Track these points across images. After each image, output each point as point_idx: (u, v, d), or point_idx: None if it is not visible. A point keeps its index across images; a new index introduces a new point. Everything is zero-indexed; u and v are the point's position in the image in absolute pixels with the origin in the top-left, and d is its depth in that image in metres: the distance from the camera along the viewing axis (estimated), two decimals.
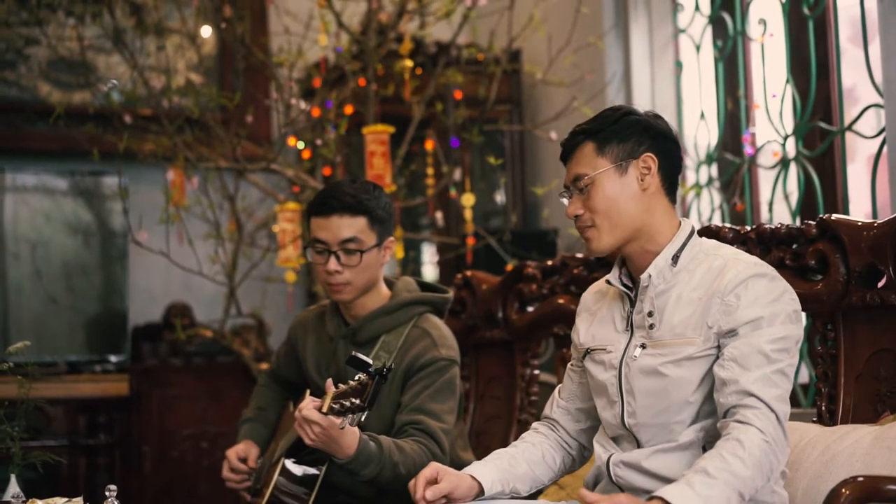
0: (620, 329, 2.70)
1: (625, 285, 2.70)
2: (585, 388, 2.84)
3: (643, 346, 2.62)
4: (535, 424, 2.96)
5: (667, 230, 2.65)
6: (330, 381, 2.95)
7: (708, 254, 2.64)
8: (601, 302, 2.81)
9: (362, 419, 2.84)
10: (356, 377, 2.84)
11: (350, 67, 5.48)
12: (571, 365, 2.91)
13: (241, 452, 3.59)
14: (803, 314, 3.15)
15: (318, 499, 3.27)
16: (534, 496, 2.91)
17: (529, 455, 2.84)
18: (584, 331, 2.81)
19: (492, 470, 2.75)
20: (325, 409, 2.90)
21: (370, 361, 2.79)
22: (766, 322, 2.49)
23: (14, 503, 2.82)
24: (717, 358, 2.53)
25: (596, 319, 2.79)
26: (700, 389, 2.56)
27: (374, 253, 3.36)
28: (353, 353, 2.82)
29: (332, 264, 3.32)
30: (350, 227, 3.31)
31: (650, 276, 2.62)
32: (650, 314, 2.62)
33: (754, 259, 2.61)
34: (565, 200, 2.69)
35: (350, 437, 3.02)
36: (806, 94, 4.64)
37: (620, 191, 2.62)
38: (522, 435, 2.94)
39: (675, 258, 2.62)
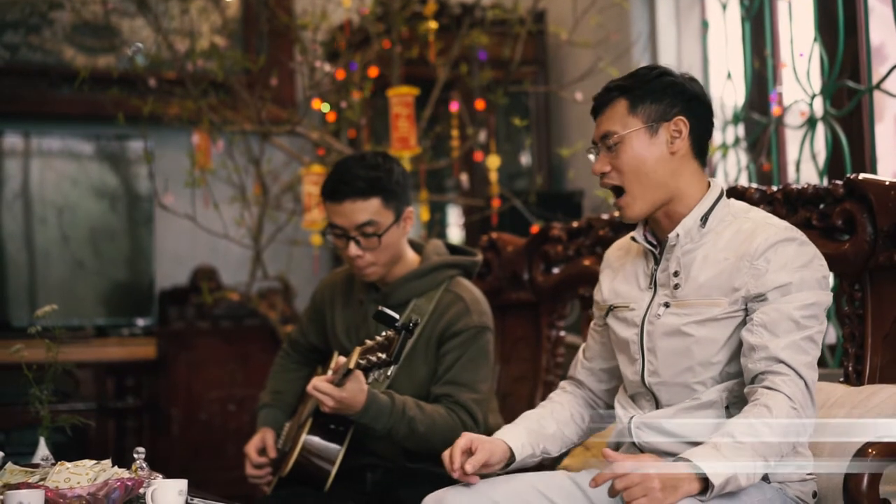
0: (644, 287, 2.69)
1: (649, 242, 2.69)
2: (608, 348, 2.83)
3: (667, 305, 2.61)
4: (562, 383, 2.96)
5: (695, 192, 2.62)
6: (341, 357, 2.98)
7: (737, 216, 2.62)
8: (625, 259, 2.79)
9: (389, 374, 2.85)
10: (382, 332, 2.85)
11: (374, 29, 5.46)
12: (594, 324, 2.90)
13: (258, 444, 3.57)
14: (831, 274, 3.14)
15: (345, 461, 3.29)
16: (562, 456, 2.91)
17: (558, 415, 2.84)
18: (607, 287, 2.80)
19: (521, 433, 2.74)
20: (352, 366, 2.93)
21: (396, 316, 2.80)
22: (795, 288, 2.47)
23: (44, 465, 2.84)
24: (743, 321, 2.51)
25: (619, 276, 2.77)
26: (724, 350, 2.55)
27: (393, 230, 3.32)
28: (380, 307, 2.83)
29: (353, 249, 3.29)
30: (364, 210, 3.26)
31: (678, 235, 2.60)
32: (676, 273, 2.60)
33: (785, 223, 2.58)
34: (592, 157, 2.67)
35: (359, 392, 3.05)
36: (833, 53, 4.59)
37: (649, 152, 2.59)
38: (550, 395, 2.93)
39: (704, 219, 2.60)
